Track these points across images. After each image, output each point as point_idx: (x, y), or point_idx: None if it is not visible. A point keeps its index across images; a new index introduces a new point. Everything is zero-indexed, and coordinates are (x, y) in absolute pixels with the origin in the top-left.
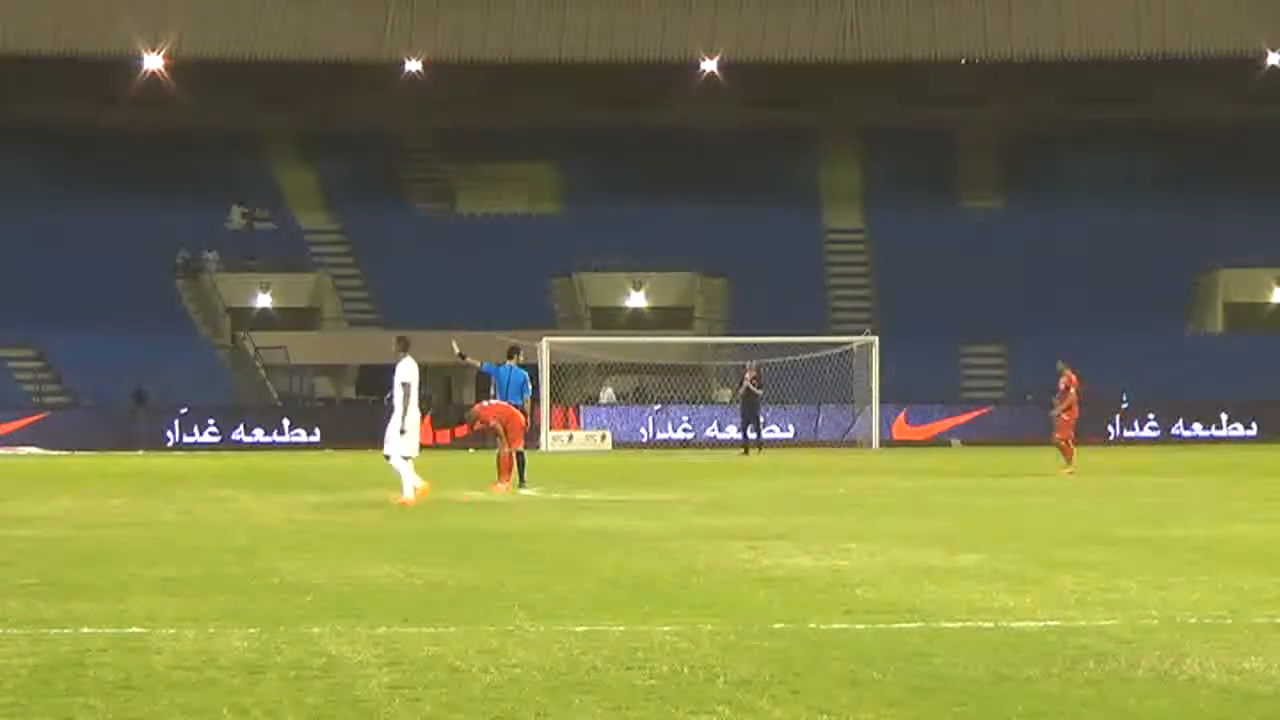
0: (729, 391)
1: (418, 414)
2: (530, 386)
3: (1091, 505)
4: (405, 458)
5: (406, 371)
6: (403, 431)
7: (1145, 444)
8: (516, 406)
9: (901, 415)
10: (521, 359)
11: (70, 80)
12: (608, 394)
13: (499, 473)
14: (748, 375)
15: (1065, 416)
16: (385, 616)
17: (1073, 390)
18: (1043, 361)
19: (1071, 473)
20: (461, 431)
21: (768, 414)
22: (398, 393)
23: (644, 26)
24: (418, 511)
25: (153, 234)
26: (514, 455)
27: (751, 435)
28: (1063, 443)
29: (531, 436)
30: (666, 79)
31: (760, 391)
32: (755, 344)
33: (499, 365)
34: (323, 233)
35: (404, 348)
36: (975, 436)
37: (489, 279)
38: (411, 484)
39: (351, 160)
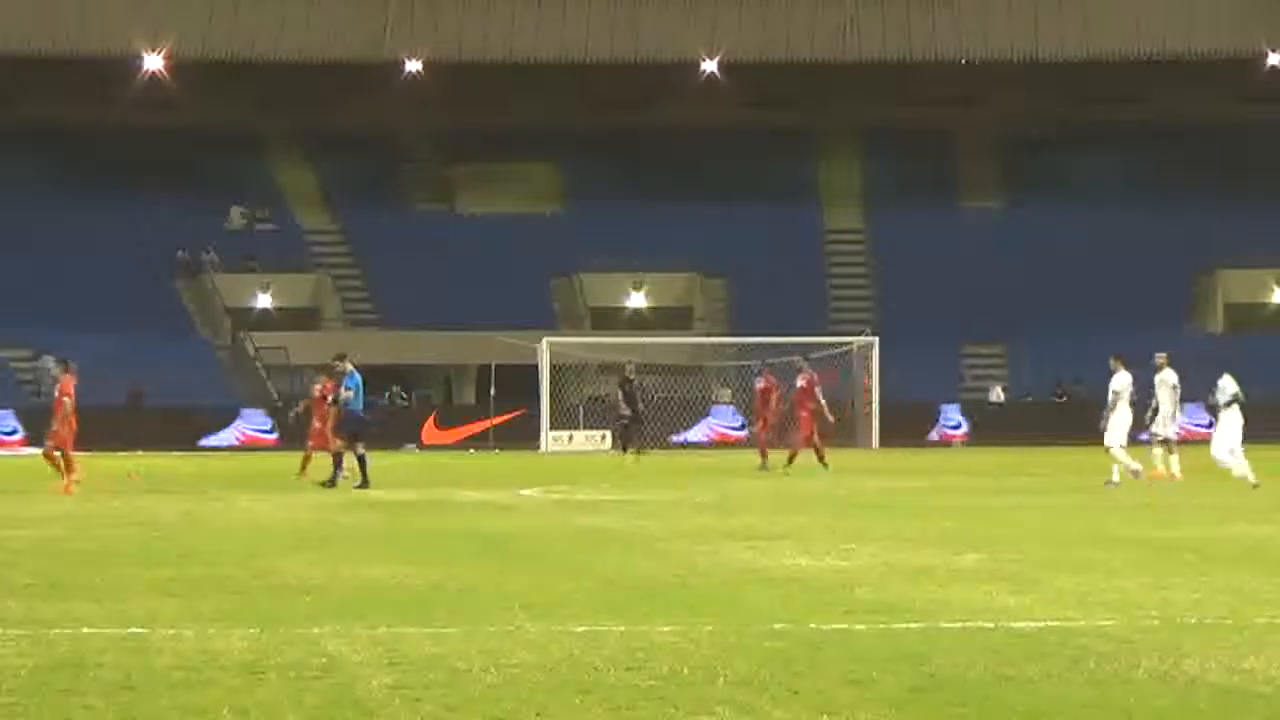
0: (728, 391)
1: None
2: (353, 387)
3: (1091, 505)
4: None
5: None
6: None
7: (1143, 444)
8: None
9: None
10: (348, 363)
11: (70, 80)
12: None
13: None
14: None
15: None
16: (385, 616)
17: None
18: (1043, 362)
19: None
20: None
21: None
22: None
23: (644, 26)
24: (418, 511)
25: (153, 234)
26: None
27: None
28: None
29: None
30: (667, 79)
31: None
32: (756, 344)
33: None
34: (323, 233)
35: None
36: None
37: (489, 279)
38: None
39: (351, 160)
